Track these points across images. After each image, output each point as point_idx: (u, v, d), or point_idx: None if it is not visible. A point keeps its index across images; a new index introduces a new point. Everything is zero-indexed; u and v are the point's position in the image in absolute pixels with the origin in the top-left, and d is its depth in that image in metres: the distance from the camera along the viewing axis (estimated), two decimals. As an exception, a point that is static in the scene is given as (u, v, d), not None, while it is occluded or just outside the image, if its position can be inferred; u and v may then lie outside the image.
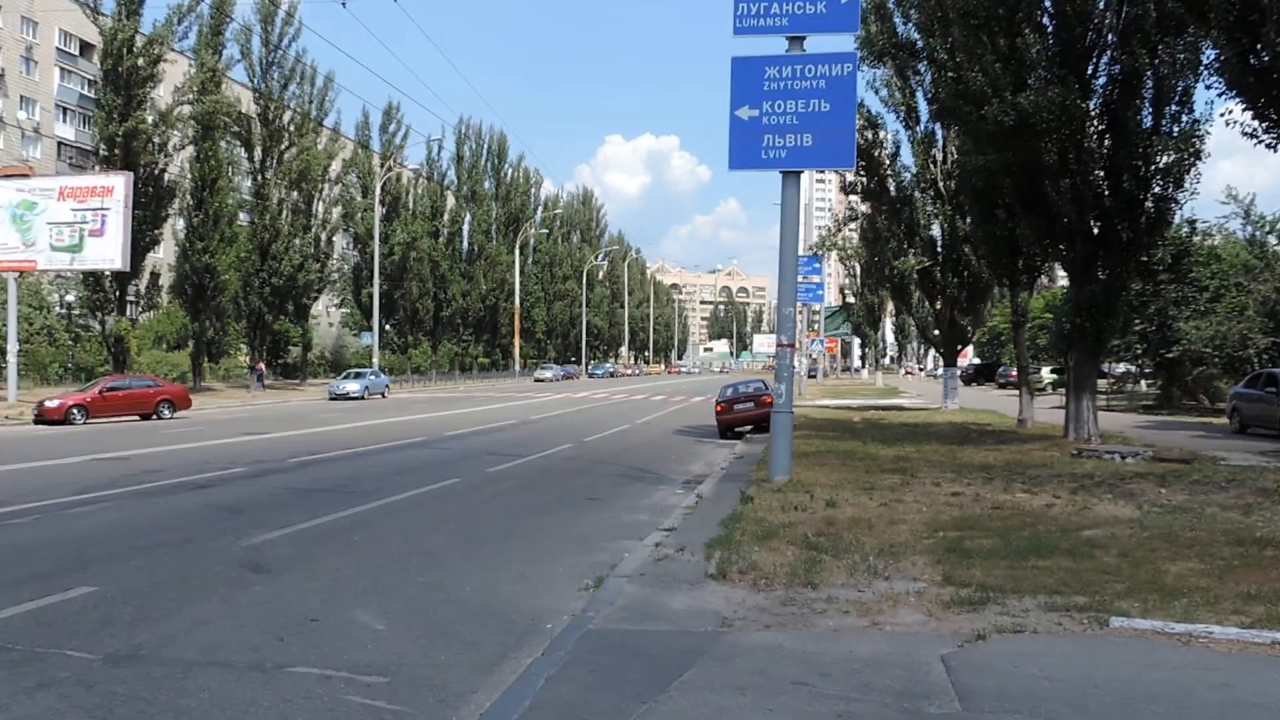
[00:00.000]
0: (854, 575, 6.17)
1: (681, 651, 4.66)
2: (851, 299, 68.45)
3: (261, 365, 44.03)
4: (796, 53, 10.83)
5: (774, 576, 6.12)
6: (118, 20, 34.44)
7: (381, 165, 54.37)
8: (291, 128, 44.45)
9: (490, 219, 67.55)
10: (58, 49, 58.42)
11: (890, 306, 62.81)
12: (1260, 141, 11.07)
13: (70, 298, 42.73)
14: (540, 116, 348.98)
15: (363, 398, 36.98)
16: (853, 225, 31.21)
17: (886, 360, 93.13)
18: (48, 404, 23.19)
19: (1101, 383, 24.94)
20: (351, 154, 54.70)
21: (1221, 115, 12.47)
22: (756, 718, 3.80)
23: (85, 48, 57.09)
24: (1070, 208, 14.48)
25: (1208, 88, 12.94)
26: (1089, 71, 14.63)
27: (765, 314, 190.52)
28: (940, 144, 24.75)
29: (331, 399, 36.50)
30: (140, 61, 34.38)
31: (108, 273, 33.48)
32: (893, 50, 21.79)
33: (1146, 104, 14.48)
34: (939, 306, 27.61)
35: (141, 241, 34.41)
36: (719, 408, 20.40)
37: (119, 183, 30.01)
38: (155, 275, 40.27)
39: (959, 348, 29.72)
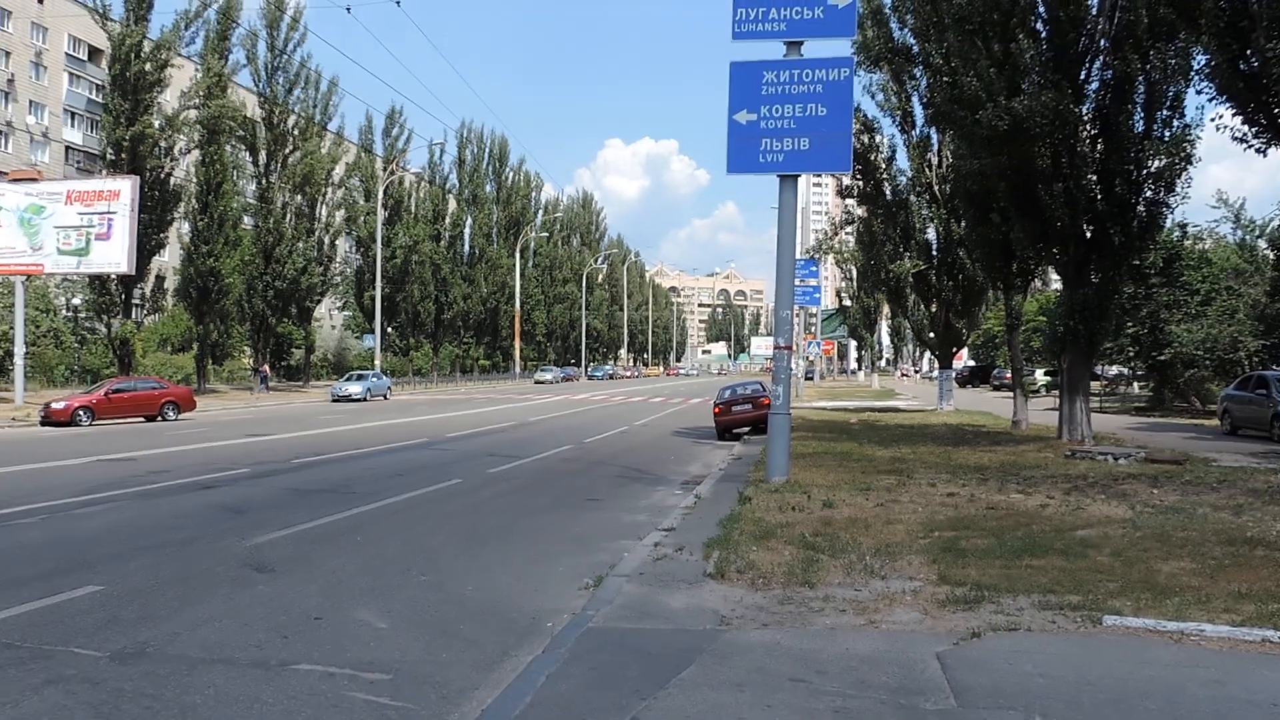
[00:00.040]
0: (851, 574, 6.23)
1: (680, 649, 4.70)
2: (848, 302, 68.64)
3: (266, 367, 44.21)
4: (794, 58, 10.93)
5: (771, 576, 6.17)
6: (126, 26, 34.70)
7: (384, 169, 54.75)
8: (296, 132, 44.70)
9: (491, 222, 68.03)
10: (66, 54, 58.71)
11: (886, 309, 62.94)
12: (1250, 146, 11.19)
13: (76, 301, 43.02)
14: (541, 120, 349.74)
15: (365, 399, 37.09)
16: (849, 229, 31.38)
17: (882, 362, 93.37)
18: (54, 406, 23.33)
19: (1094, 385, 25.10)
20: (355, 158, 55.05)
21: (1212, 120, 12.60)
22: (755, 714, 3.83)
23: (94, 53, 57.29)
24: (1063, 212, 14.59)
25: (1198, 93, 13.07)
26: (1082, 77, 14.76)
27: (763, 317, 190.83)
28: (935, 148, 24.91)
29: (334, 401, 36.62)
30: (148, 67, 34.67)
31: (114, 276, 33.68)
32: (889, 55, 21.96)
33: (1138, 109, 14.60)
34: (934, 309, 27.74)
35: (147, 245, 34.61)
36: (717, 409, 20.47)
37: (125, 187, 30.25)
38: (160, 278, 40.53)
39: (954, 350, 29.86)
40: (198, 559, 7.27)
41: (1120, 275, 15.79)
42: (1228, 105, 11.32)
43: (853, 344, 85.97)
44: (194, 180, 39.84)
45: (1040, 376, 39.19)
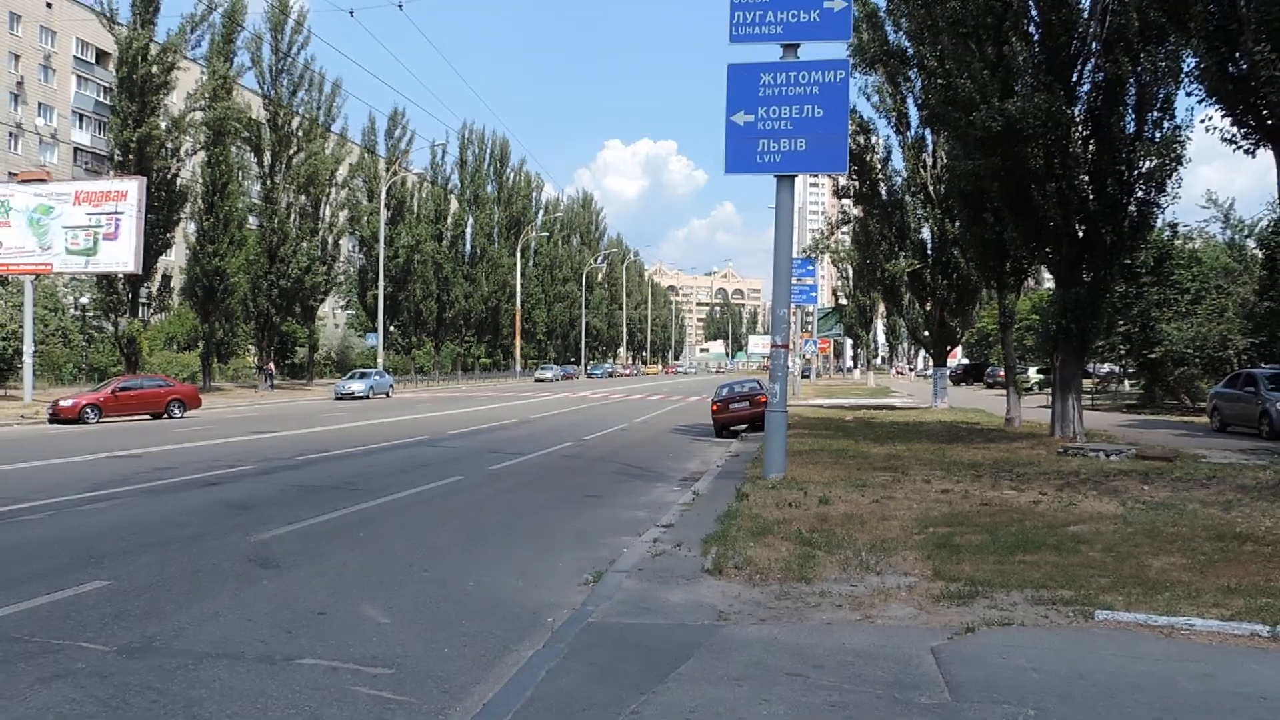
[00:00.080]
0: (847, 570, 6.29)
1: (679, 644, 4.75)
2: (844, 301, 68.89)
3: (271, 365, 44.43)
4: (791, 60, 11.02)
5: (769, 571, 6.23)
6: (133, 29, 34.89)
7: (387, 170, 55.10)
8: (300, 133, 44.88)
9: (492, 222, 68.50)
10: (75, 57, 58.83)
11: (882, 308, 63.18)
12: (1239, 147, 11.27)
13: (84, 300, 43.25)
14: (541, 121, 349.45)
15: (368, 397, 37.21)
16: (845, 228, 31.49)
17: (878, 360, 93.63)
18: (62, 403, 23.43)
19: (1086, 383, 25.21)
20: (358, 159, 55.33)
21: (1202, 122, 12.71)
22: (752, 708, 3.87)
23: (101, 56, 57.36)
24: (1056, 212, 14.70)
25: (1188, 95, 13.24)
26: (1074, 79, 14.85)
27: (760, 315, 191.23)
28: (930, 149, 25.02)
29: (337, 399, 36.77)
30: (154, 69, 34.87)
31: (121, 275, 33.86)
32: (884, 57, 22.07)
33: (1129, 110, 14.70)
34: (929, 308, 27.87)
35: (154, 245, 34.75)
36: (715, 407, 20.56)
37: (133, 187, 30.41)
38: (167, 278, 40.92)
39: (948, 348, 30.01)
40: (204, 555, 7.32)
41: (1112, 274, 15.90)
42: (1217, 107, 11.40)
43: (849, 342, 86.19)
44: (200, 181, 40.13)
45: (1033, 374, 39.38)
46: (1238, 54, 10.69)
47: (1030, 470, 11.74)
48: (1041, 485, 10.23)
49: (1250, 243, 26.17)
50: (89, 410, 23.16)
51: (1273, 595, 5.36)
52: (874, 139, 25.69)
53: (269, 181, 44.08)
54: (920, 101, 22.14)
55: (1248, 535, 7.20)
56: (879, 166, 25.93)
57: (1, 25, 52.95)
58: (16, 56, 54.58)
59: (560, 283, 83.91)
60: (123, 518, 9.12)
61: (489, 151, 69.29)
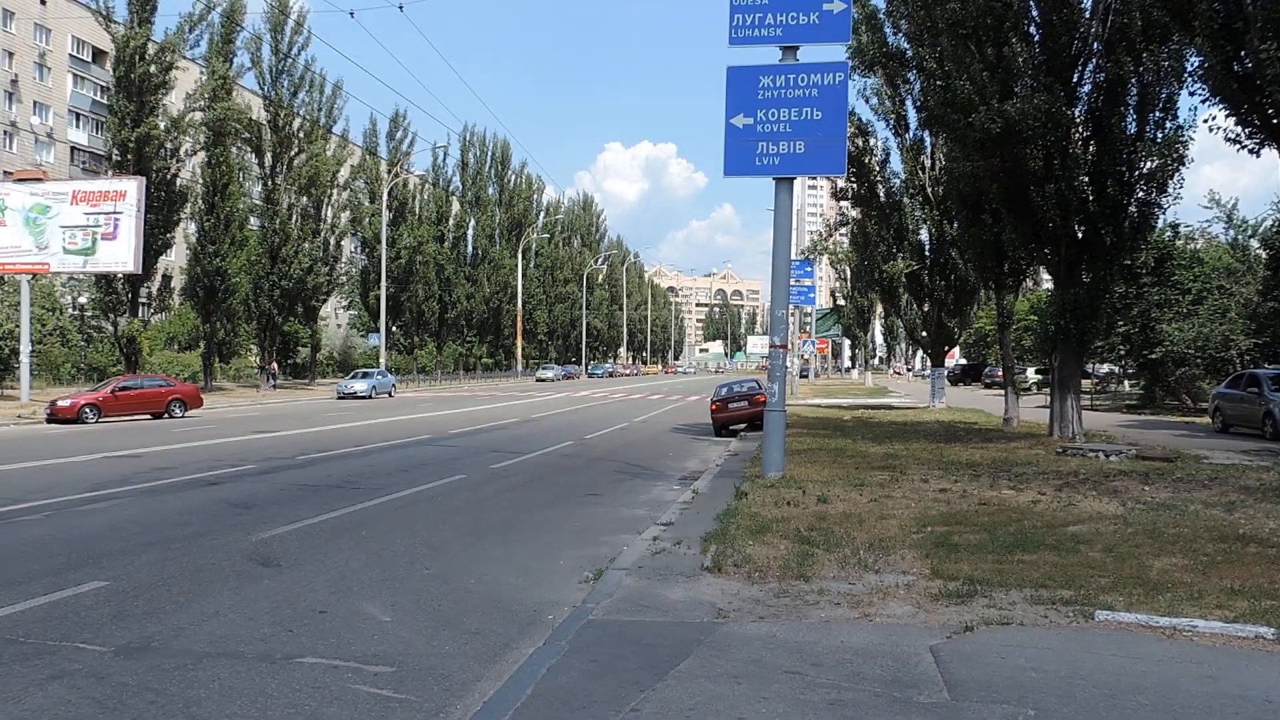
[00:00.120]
0: (845, 568, 6.29)
1: (678, 641, 4.76)
2: (842, 301, 69.00)
3: (274, 365, 44.51)
4: (790, 62, 11.04)
5: (768, 569, 6.23)
6: (130, 28, 34.84)
7: (389, 171, 55.36)
8: (301, 134, 44.98)
9: (494, 224, 69.01)
10: (70, 56, 58.77)
11: (880, 309, 63.28)
12: (1243, 147, 11.25)
13: (83, 299, 43.30)
14: (542, 124, 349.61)
15: (370, 397, 37.34)
16: (843, 230, 31.49)
17: (876, 361, 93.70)
18: (60, 403, 23.38)
19: (1085, 383, 25.23)
20: (360, 160, 55.58)
21: (1205, 121, 12.64)
22: (751, 705, 3.88)
23: (98, 54, 57.31)
24: (1055, 212, 14.69)
25: (1191, 94, 13.18)
26: (1075, 79, 14.85)
27: (759, 316, 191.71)
28: (929, 151, 25.05)
29: (340, 398, 36.92)
30: (152, 69, 34.81)
31: (120, 275, 33.86)
32: (883, 59, 22.08)
33: (1131, 111, 14.69)
34: (927, 309, 27.90)
35: (154, 245, 34.78)
36: (714, 406, 20.60)
37: (131, 187, 30.42)
38: (167, 278, 41.09)
39: (946, 349, 30.02)
40: (204, 554, 7.31)
41: (1111, 275, 15.90)
42: (1221, 106, 11.36)
43: (847, 343, 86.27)
44: (200, 181, 40.18)
45: (1031, 374, 39.40)
46: (1243, 52, 10.67)
47: (1029, 470, 11.75)
48: (1040, 485, 10.23)
49: (1254, 243, 26.16)
50: (88, 410, 23.13)
51: (1277, 598, 5.33)
52: (872, 141, 25.73)
53: (270, 182, 44.17)
54: (919, 103, 22.17)
55: (1251, 537, 7.17)
56: (877, 168, 25.96)
57: (-5, 22, 52.96)
58: (10, 54, 54.43)
59: (561, 284, 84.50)
60: (122, 517, 9.11)
61: (490, 154, 69.90)
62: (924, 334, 29.40)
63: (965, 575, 5.96)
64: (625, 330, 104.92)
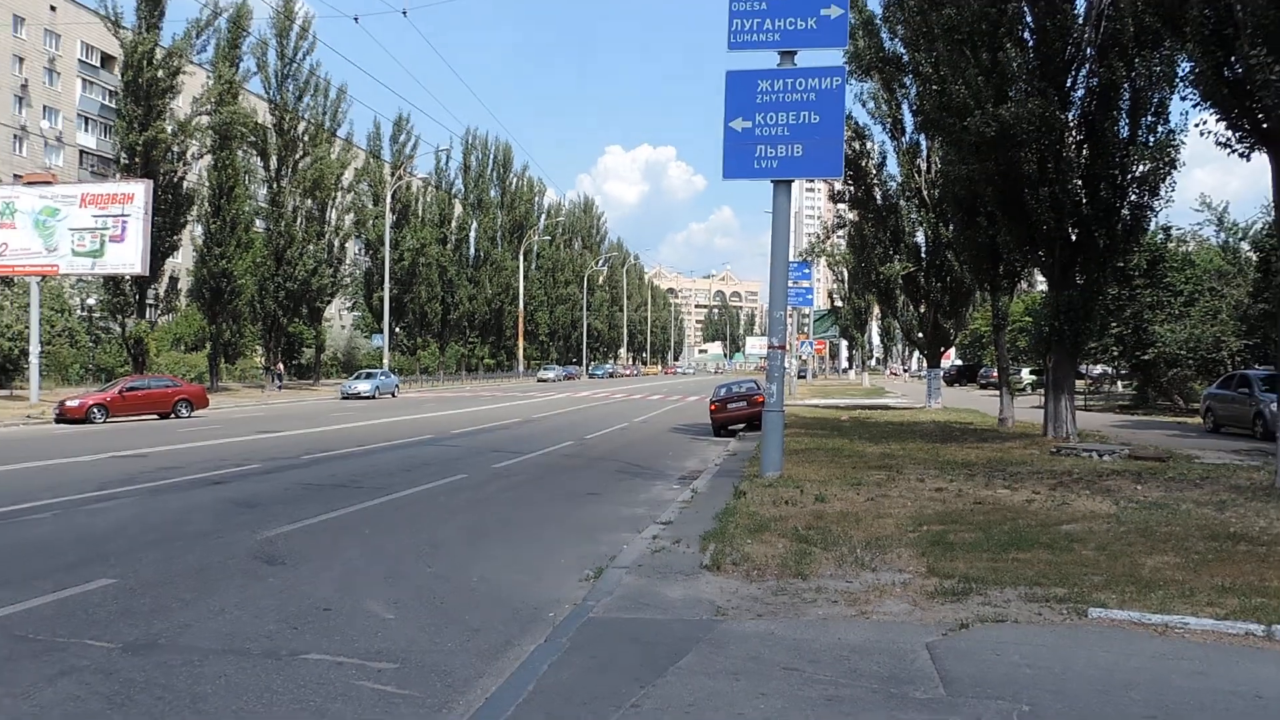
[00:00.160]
0: (842, 567, 6.35)
1: (678, 639, 4.81)
2: (840, 303, 69.23)
3: (280, 366, 44.59)
4: (788, 67, 11.13)
5: (766, 567, 6.29)
6: (138, 33, 35.00)
7: (392, 174, 55.59)
8: (306, 138, 45.08)
9: (496, 226, 69.42)
10: (80, 60, 58.87)
11: (876, 310, 63.45)
12: (1233, 151, 11.34)
13: (91, 301, 43.40)
14: (543, 127, 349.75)
15: (374, 397, 37.43)
16: (841, 232, 31.61)
17: (873, 361, 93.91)
18: (69, 403, 23.42)
19: (1079, 384, 25.40)
20: (363, 163, 55.78)
21: (1196, 126, 12.72)
22: (749, 702, 3.92)
23: (106, 59, 57.44)
24: (1049, 215, 14.81)
25: (1182, 99, 13.23)
26: (1068, 84, 14.97)
27: (757, 317, 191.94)
28: (924, 154, 25.19)
29: (344, 398, 37.02)
30: (160, 73, 34.99)
31: (128, 277, 33.96)
32: (880, 64, 22.20)
33: (1123, 115, 14.81)
34: (923, 310, 28.03)
35: (161, 247, 34.87)
36: (713, 406, 20.70)
37: (139, 190, 30.50)
38: (174, 279, 41.11)
39: (942, 350, 30.19)
40: (210, 552, 7.36)
41: (1105, 277, 16.01)
42: (1212, 111, 11.45)
43: (844, 344, 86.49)
44: (207, 184, 40.30)
45: (1026, 375, 39.56)
46: (1233, 58, 10.77)
47: (1023, 470, 11.82)
48: (1035, 484, 10.30)
49: (1244, 245, 26.34)
50: (95, 410, 23.18)
51: (1267, 595, 5.40)
52: (869, 144, 25.85)
53: (275, 185, 44.33)
54: (915, 107, 22.30)
55: (1242, 535, 7.25)
56: (874, 171, 26.07)
57: (5, 28, 52.88)
58: (20, 59, 54.56)
59: (562, 285, 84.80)
60: (129, 516, 9.16)
61: (492, 157, 70.36)
62: (920, 335, 29.54)
63: (961, 573, 6.02)
64: (625, 331, 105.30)
